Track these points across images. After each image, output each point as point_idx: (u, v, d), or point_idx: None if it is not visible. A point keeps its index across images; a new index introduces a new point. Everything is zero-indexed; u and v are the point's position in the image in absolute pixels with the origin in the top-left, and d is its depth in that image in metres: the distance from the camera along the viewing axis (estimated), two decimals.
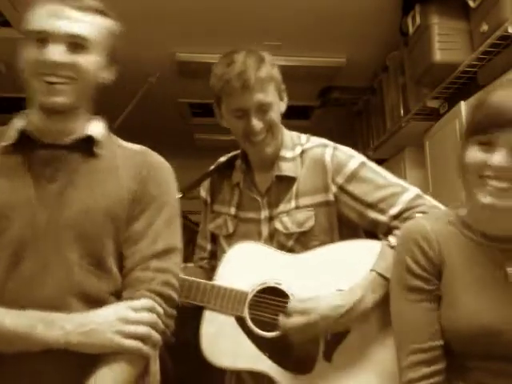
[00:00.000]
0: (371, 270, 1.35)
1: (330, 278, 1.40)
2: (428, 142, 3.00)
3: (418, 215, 1.36)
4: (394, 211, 1.40)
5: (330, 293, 1.35)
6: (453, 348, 1.09)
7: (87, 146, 1.16)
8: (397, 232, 1.36)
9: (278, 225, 1.49)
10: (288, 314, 1.34)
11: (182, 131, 4.48)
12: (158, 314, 1.08)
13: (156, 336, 1.07)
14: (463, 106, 2.53)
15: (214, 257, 1.65)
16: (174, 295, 1.13)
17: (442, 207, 1.41)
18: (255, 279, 1.43)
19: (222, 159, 1.66)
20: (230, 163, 1.61)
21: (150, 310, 1.07)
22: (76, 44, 1.11)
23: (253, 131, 1.44)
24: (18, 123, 1.17)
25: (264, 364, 1.38)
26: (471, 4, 2.35)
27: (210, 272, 1.56)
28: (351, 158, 1.48)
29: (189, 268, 1.65)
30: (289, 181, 1.50)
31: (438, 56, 2.47)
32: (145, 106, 3.61)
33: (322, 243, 1.45)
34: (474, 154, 1.06)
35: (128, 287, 1.10)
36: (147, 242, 1.13)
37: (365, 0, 2.73)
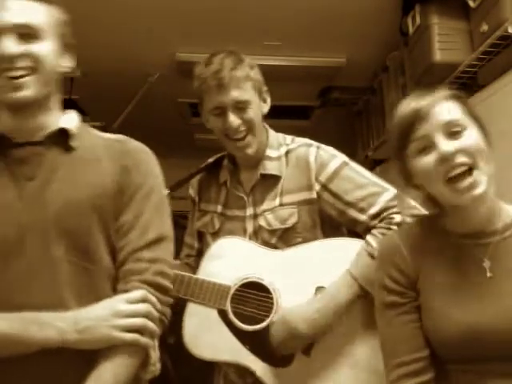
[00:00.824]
0: (346, 270, 1.41)
1: (311, 274, 1.45)
2: None
3: (395, 216, 1.42)
4: (373, 211, 1.45)
5: (309, 300, 1.40)
6: (439, 355, 1.09)
7: (62, 139, 1.14)
8: (375, 232, 1.42)
9: (262, 222, 1.52)
10: (273, 334, 1.38)
11: (182, 131, 4.48)
12: (153, 304, 1.07)
13: (152, 326, 1.06)
14: None
15: (201, 255, 1.67)
16: (168, 284, 1.13)
17: (420, 208, 1.44)
18: (238, 274, 1.46)
19: (211, 159, 1.69)
20: (217, 163, 1.65)
21: (144, 300, 1.06)
22: (27, 34, 1.10)
23: (230, 128, 1.48)
24: None
25: (244, 357, 1.42)
26: (471, 4, 2.35)
27: (196, 269, 1.59)
28: (334, 158, 1.52)
29: (175, 265, 1.67)
30: (273, 179, 1.54)
31: (438, 56, 2.47)
32: (145, 106, 3.61)
33: (305, 240, 1.50)
34: (423, 162, 1.07)
35: (121, 279, 1.10)
36: (138, 233, 1.12)
37: (365, 0, 2.73)
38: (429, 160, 1.06)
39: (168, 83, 3.55)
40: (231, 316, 1.44)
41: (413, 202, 1.46)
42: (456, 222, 1.12)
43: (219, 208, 1.59)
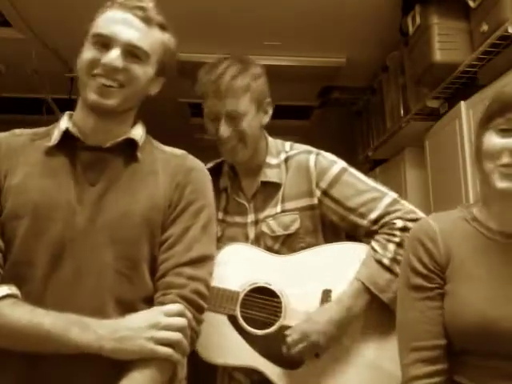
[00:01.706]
0: (355, 278, 1.43)
1: (317, 278, 1.48)
2: (428, 141, 3.01)
3: (395, 221, 1.44)
4: (373, 216, 1.48)
5: (323, 309, 1.43)
6: (455, 344, 1.09)
7: (129, 149, 1.17)
8: (378, 237, 1.45)
9: (264, 228, 1.54)
10: (289, 343, 1.40)
11: (182, 131, 4.48)
12: (189, 320, 1.07)
13: (185, 342, 1.06)
14: (463, 106, 2.53)
15: None
16: (204, 304, 1.13)
17: (419, 211, 1.49)
18: (246, 279, 1.48)
19: (209, 165, 1.68)
20: (216, 169, 1.65)
21: (181, 315, 1.06)
22: (133, 52, 1.14)
23: (220, 137, 1.49)
24: (63, 123, 1.17)
25: (255, 360, 1.43)
26: (471, 4, 2.34)
27: None
28: (333, 164, 1.54)
29: None
30: (274, 186, 1.56)
31: (438, 56, 2.47)
32: (145, 106, 3.61)
33: (307, 245, 1.52)
34: (494, 141, 1.07)
35: (159, 291, 1.10)
36: (182, 248, 1.12)
37: (365, 0, 2.73)
38: (501, 142, 1.06)
39: (168, 83, 3.55)
40: (241, 321, 1.45)
41: (411, 206, 1.50)
42: (496, 217, 1.12)
43: (220, 214, 1.60)
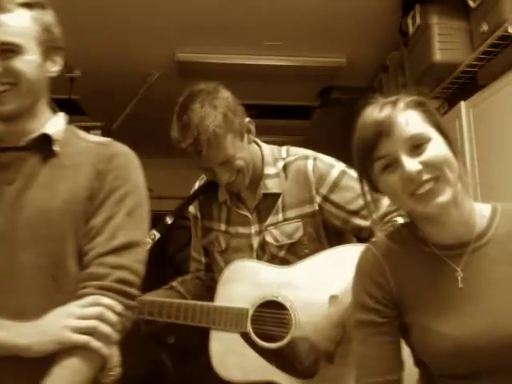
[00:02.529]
0: None
1: (323, 284, 1.48)
2: None
3: (397, 218, 1.43)
4: (375, 216, 1.45)
5: (328, 315, 1.42)
6: (433, 370, 1.06)
7: (46, 145, 1.14)
8: (380, 234, 1.44)
9: (268, 237, 1.55)
10: (302, 357, 1.43)
11: None
12: (110, 307, 1.04)
13: (106, 329, 1.03)
14: (463, 106, 2.53)
15: (209, 269, 1.73)
16: (131, 290, 1.09)
17: None
18: (254, 294, 1.50)
19: (202, 180, 1.68)
20: (212, 182, 1.62)
21: (96, 304, 1.04)
22: (8, 50, 1.09)
23: (221, 183, 1.51)
24: None
25: (273, 374, 1.46)
26: (471, 4, 2.35)
27: (208, 282, 1.67)
28: (332, 168, 1.54)
29: (187, 280, 1.73)
30: (275, 196, 1.56)
31: (438, 56, 2.47)
32: (145, 106, 3.61)
33: (312, 251, 1.53)
34: (390, 180, 1.03)
35: (80, 283, 1.07)
36: (105, 237, 1.09)
37: (365, 0, 2.73)
38: (394, 179, 1.02)
39: (168, 83, 3.55)
40: (253, 337, 1.48)
41: None
42: (431, 233, 1.09)
43: (223, 226, 1.61)
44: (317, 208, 1.53)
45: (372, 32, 3.00)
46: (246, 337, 1.49)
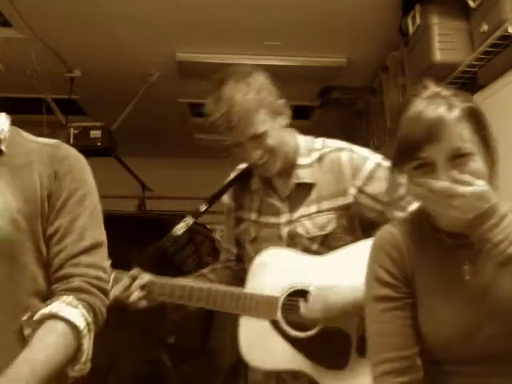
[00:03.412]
0: None
1: (355, 275, 1.42)
2: None
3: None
4: (411, 209, 1.45)
5: (348, 285, 1.41)
6: (434, 354, 1.07)
7: None
8: None
9: (299, 229, 1.53)
10: (309, 311, 1.42)
11: (181, 131, 4.48)
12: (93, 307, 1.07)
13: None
14: None
15: (240, 260, 1.72)
16: (106, 287, 1.12)
17: None
18: (285, 283, 1.48)
19: (241, 166, 1.69)
20: (248, 170, 1.65)
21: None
22: None
23: (253, 162, 1.50)
24: None
25: (301, 363, 1.44)
26: (471, 4, 2.35)
27: (239, 273, 1.65)
28: (367, 160, 1.53)
29: (218, 269, 1.72)
30: (308, 186, 1.55)
31: (438, 56, 2.47)
32: (145, 106, 3.61)
33: (347, 244, 1.51)
34: (420, 181, 1.01)
35: (59, 282, 1.08)
36: (74, 238, 1.10)
37: (365, 0, 2.73)
38: (425, 184, 1.01)
39: (168, 83, 3.55)
40: (284, 325, 1.46)
41: None
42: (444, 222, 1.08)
43: (253, 216, 1.61)
44: (351, 200, 1.51)
45: (372, 32, 3.00)
46: (275, 325, 1.47)
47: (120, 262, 1.45)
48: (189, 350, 3.32)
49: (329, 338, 1.43)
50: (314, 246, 1.52)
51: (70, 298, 1.05)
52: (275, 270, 1.51)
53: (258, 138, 1.47)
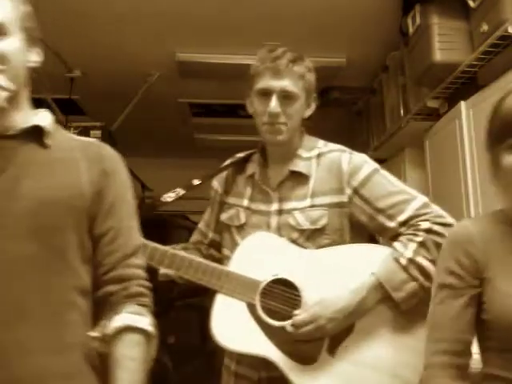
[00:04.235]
0: (373, 273, 1.45)
1: (340, 276, 1.48)
2: (428, 141, 3.00)
3: (421, 223, 1.45)
4: (402, 218, 1.48)
5: (335, 294, 1.44)
6: (503, 341, 1.09)
7: (36, 136, 1.12)
8: (402, 238, 1.46)
9: (290, 220, 1.54)
10: (297, 322, 1.42)
11: (181, 131, 4.48)
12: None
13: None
14: (463, 106, 2.53)
15: (212, 246, 1.73)
16: (150, 285, 1.16)
17: (448, 216, 1.48)
18: (269, 269, 1.49)
19: (240, 154, 1.73)
20: (246, 158, 1.69)
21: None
22: None
23: (271, 113, 1.53)
24: None
25: (270, 351, 1.44)
26: (471, 4, 2.35)
27: (206, 258, 1.63)
28: (366, 163, 1.57)
29: (189, 249, 1.72)
30: (302, 178, 1.57)
31: (438, 56, 2.47)
32: (145, 106, 3.61)
33: (332, 242, 1.52)
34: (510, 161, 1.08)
35: (115, 284, 1.10)
36: (125, 239, 1.13)
37: (365, 0, 2.73)
38: None
39: (168, 83, 3.55)
40: (259, 311, 1.46)
41: (441, 211, 1.49)
42: None
43: (245, 202, 1.62)
44: (346, 199, 1.53)
45: (372, 32, 3.00)
46: (251, 308, 1.47)
47: None
48: (189, 350, 3.32)
49: (301, 330, 1.42)
50: (301, 240, 1.52)
51: (135, 307, 1.10)
52: (261, 254, 1.51)
53: (287, 97, 1.54)
